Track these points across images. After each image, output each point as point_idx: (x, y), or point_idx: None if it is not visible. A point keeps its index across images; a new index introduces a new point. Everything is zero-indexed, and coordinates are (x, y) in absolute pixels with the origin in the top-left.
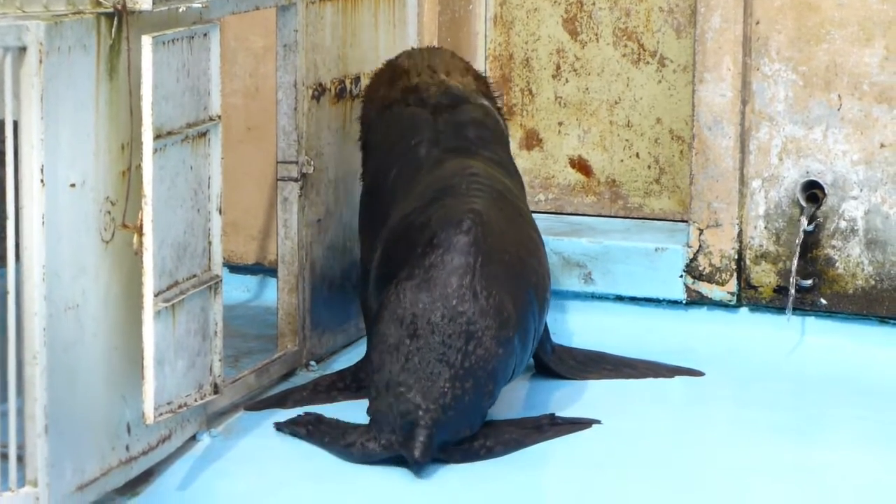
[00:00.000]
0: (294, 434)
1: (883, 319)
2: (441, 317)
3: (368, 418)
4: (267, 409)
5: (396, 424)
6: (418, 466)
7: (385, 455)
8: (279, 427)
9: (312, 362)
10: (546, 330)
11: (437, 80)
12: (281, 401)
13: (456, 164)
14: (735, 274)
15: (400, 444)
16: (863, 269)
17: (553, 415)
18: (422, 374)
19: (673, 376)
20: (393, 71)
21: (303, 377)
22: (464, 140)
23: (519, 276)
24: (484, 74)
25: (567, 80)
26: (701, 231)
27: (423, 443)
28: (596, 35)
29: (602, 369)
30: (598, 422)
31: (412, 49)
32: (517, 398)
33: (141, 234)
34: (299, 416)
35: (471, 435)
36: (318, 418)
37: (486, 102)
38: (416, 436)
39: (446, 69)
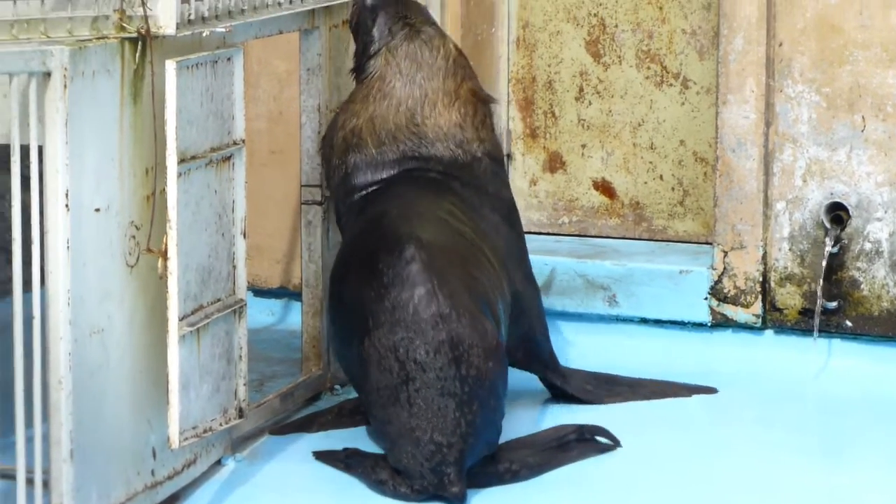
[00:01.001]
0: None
1: None
2: (425, 353)
3: (395, 470)
4: (292, 434)
5: (424, 469)
6: (459, 501)
7: (421, 500)
8: (318, 456)
9: (337, 386)
10: (552, 354)
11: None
12: (306, 425)
13: (392, 194)
14: (760, 296)
15: (434, 486)
16: (888, 291)
17: (581, 427)
18: (430, 413)
19: (690, 395)
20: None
21: (327, 401)
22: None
23: (472, 288)
24: (477, 94)
25: (590, 103)
26: (725, 253)
27: (456, 479)
28: (619, 57)
29: (617, 391)
30: (619, 444)
31: (410, 54)
32: (532, 423)
33: (166, 259)
34: (338, 451)
35: (491, 454)
36: (356, 452)
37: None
38: (447, 474)
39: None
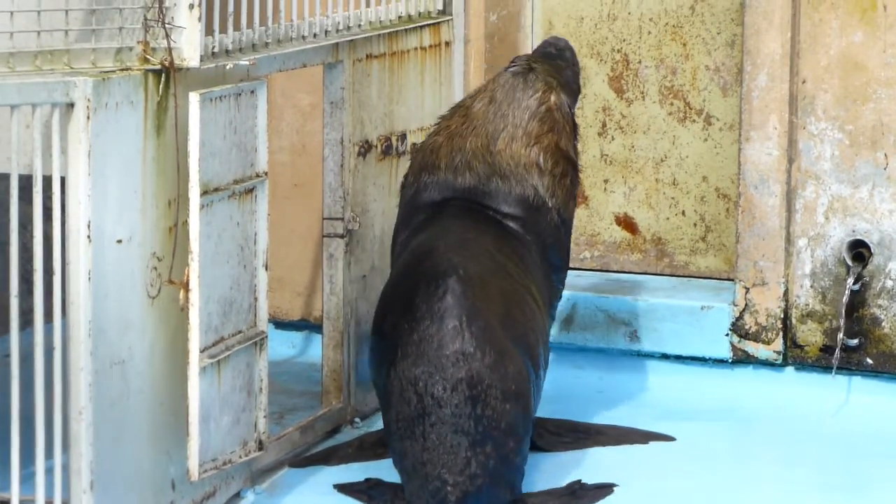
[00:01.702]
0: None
1: None
2: (443, 389)
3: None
4: (312, 467)
5: None
6: None
7: None
8: (340, 488)
9: (357, 419)
10: None
11: (488, 152)
12: (326, 458)
13: (444, 226)
14: (781, 333)
15: None
16: None
17: (580, 481)
18: (442, 449)
19: (646, 442)
20: (465, 116)
21: (348, 434)
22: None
23: (507, 325)
24: (560, 146)
25: (613, 138)
26: (747, 290)
27: None
28: (642, 93)
29: (575, 438)
30: (616, 485)
31: (504, 84)
32: None
33: (187, 290)
34: (360, 482)
35: (519, 498)
36: (378, 483)
37: (534, 182)
38: None
39: (511, 134)
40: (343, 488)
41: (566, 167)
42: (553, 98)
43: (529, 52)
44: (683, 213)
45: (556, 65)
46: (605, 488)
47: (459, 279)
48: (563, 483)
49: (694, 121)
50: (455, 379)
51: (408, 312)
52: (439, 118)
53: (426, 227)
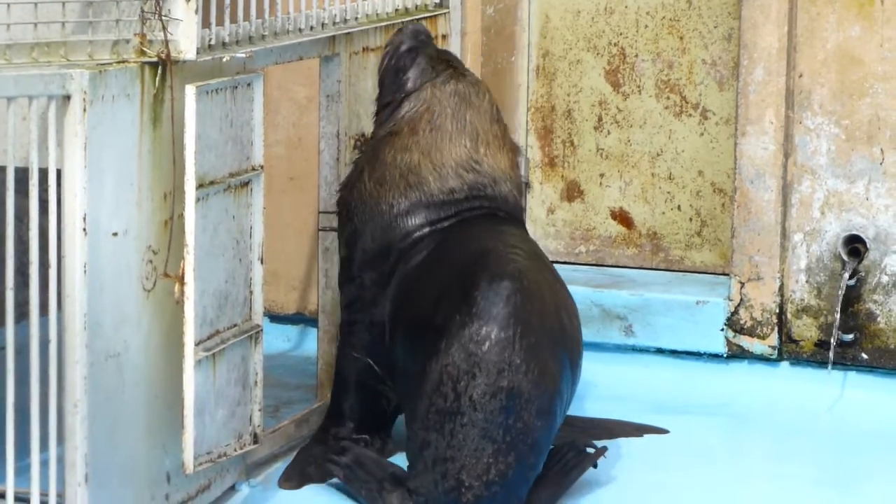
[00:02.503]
0: (331, 472)
1: None
2: (482, 393)
3: (408, 489)
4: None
5: (440, 502)
6: None
7: None
8: (319, 464)
9: None
10: None
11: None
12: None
13: (485, 227)
14: (776, 328)
15: None
16: None
17: (572, 443)
18: (466, 450)
19: (640, 435)
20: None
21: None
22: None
23: (558, 341)
24: (514, 147)
25: (609, 132)
26: (742, 284)
27: None
28: (638, 87)
29: (570, 432)
30: (605, 450)
31: (458, 92)
32: None
33: (182, 284)
34: (342, 447)
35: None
36: (358, 459)
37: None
38: None
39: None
40: (322, 461)
41: (517, 161)
42: (491, 93)
43: (526, 46)
44: (679, 207)
45: (450, 53)
46: (596, 454)
47: (522, 288)
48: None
49: (690, 115)
50: (496, 387)
51: (464, 306)
52: (387, 133)
53: (466, 229)
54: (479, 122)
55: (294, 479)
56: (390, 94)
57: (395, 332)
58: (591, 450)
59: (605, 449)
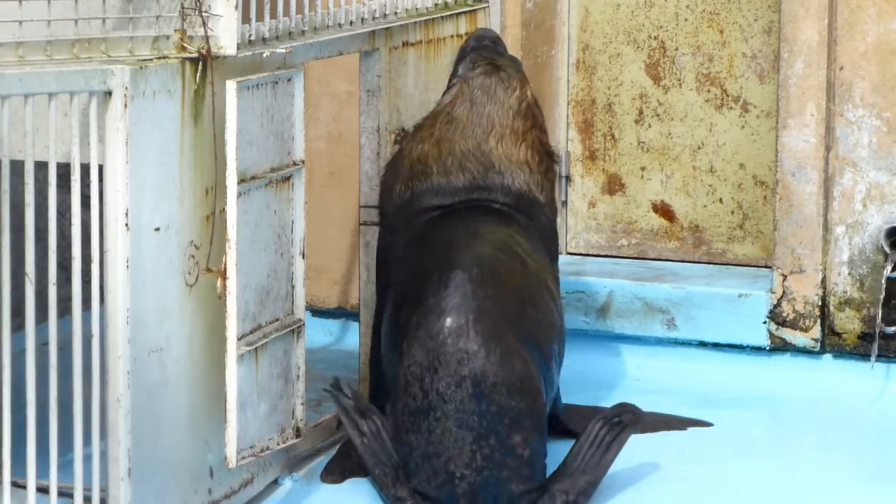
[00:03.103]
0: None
1: None
2: (447, 385)
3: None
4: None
5: (438, 497)
6: None
7: None
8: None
9: None
10: (558, 388)
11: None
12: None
13: (461, 221)
14: (819, 320)
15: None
16: None
17: (604, 419)
18: (447, 443)
19: (684, 428)
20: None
21: None
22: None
23: (517, 322)
24: (543, 142)
25: (650, 126)
26: (784, 277)
27: None
28: (679, 80)
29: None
30: (641, 414)
31: (479, 87)
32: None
33: (225, 278)
34: (364, 408)
35: (543, 491)
36: (379, 432)
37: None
38: (458, 502)
39: (500, 133)
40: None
41: (549, 162)
42: (529, 93)
43: (565, 40)
44: (721, 200)
45: (509, 57)
46: (630, 421)
47: (471, 277)
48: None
49: (731, 108)
50: (459, 376)
51: (419, 306)
52: (414, 128)
53: (437, 226)
54: (497, 116)
55: (336, 472)
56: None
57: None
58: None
59: (638, 415)
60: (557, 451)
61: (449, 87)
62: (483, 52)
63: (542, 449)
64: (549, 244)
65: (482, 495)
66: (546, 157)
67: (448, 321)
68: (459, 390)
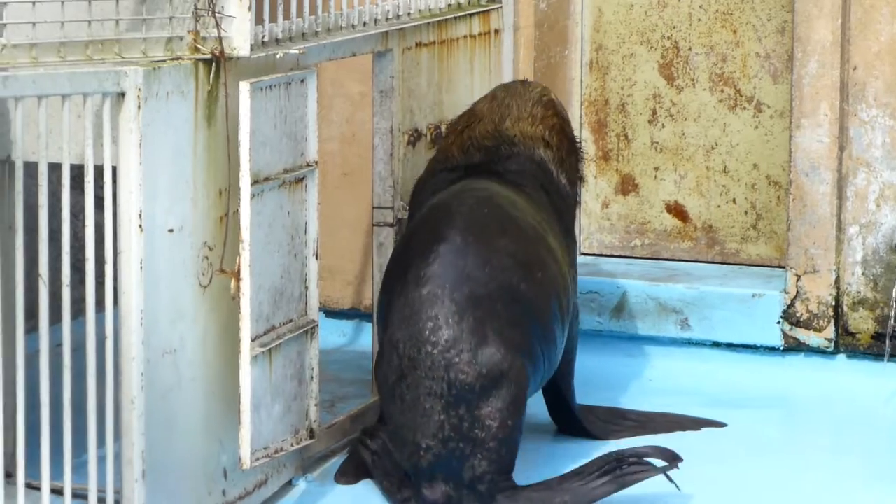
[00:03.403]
0: (359, 453)
1: None
2: (418, 351)
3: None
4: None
5: (412, 474)
6: None
7: None
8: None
9: None
10: (573, 385)
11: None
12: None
13: (461, 185)
14: (832, 320)
15: (414, 487)
16: None
17: (622, 454)
18: (417, 412)
19: (698, 429)
20: (470, 116)
21: None
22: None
23: (510, 292)
24: (564, 128)
25: (663, 126)
26: (798, 277)
27: (428, 483)
28: (692, 80)
29: (626, 426)
30: (678, 461)
31: (501, 90)
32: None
33: (238, 279)
34: (373, 430)
35: (505, 471)
36: (386, 446)
37: (540, 151)
38: (423, 475)
39: (517, 116)
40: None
41: (570, 147)
42: (551, 93)
43: (579, 40)
44: (734, 200)
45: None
46: (664, 467)
47: (452, 245)
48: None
49: (744, 108)
50: (429, 341)
51: (404, 275)
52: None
53: (437, 193)
54: (517, 104)
55: (350, 473)
56: None
57: None
58: (656, 462)
59: (675, 461)
60: (568, 451)
61: None
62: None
63: (515, 430)
64: (564, 218)
65: (444, 469)
66: (567, 142)
67: (425, 289)
68: (428, 357)
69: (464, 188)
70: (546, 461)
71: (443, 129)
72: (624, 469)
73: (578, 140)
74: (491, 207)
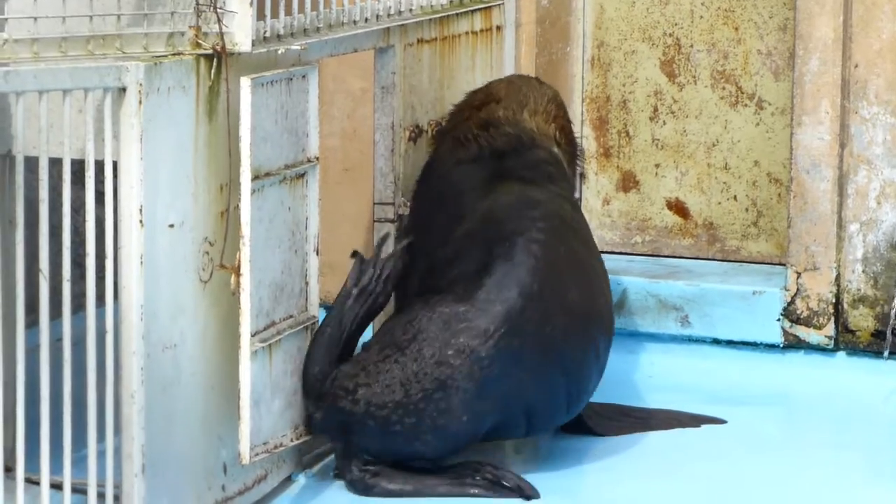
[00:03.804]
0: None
1: None
2: (431, 355)
3: None
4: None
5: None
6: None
7: None
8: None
9: None
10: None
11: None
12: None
13: (511, 190)
14: (833, 318)
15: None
16: None
17: (484, 466)
18: (381, 380)
19: (698, 426)
20: (487, 95)
21: None
22: (524, 172)
23: (552, 350)
24: (572, 132)
25: (664, 123)
26: (798, 274)
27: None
28: (694, 77)
29: (627, 422)
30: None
31: (517, 78)
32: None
33: (239, 275)
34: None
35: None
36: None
37: (555, 150)
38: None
39: (534, 109)
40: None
41: (574, 149)
42: (562, 99)
43: (580, 37)
44: (735, 197)
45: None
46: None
47: (530, 293)
48: (617, 466)
49: (746, 105)
50: (443, 360)
51: (469, 289)
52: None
53: (492, 190)
54: (533, 95)
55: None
56: None
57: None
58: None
59: (524, 489)
60: (569, 447)
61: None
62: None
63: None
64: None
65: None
66: (572, 145)
67: (482, 322)
68: (439, 368)
69: (519, 199)
70: (547, 456)
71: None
72: (475, 479)
73: (580, 148)
74: (562, 242)
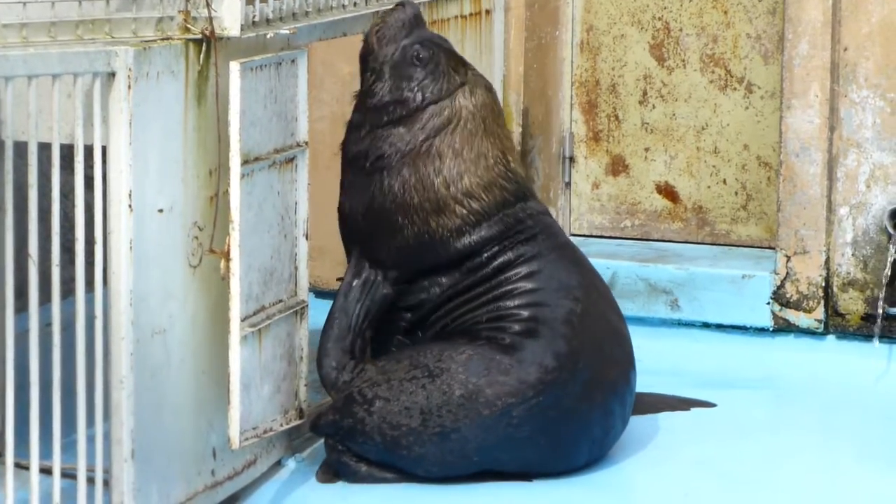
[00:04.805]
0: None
1: None
2: (460, 395)
3: None
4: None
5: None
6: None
7: None
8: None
9: None
10: None
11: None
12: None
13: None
14: (822, 301)
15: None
16: None
17: None
18: (402, 399)
19: (687, 409)
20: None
21: None
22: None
23: (576, 421)
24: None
25: (654, 106)
26: (788, 258)
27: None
28: (683, 61)
29: None
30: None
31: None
32: None
33: (228, 260)
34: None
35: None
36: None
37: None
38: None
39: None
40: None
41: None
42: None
43: (570, 20)
44: (724, 181)
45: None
46: None
47: (568, 368)
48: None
49: (735, 89)
50: (469, 387)
51: (567, 319)
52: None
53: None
54: (502, 132)
55: (331, 472)
56: (398, 90)
57: None
58: None
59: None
60: None
61: (438, 97)
62: (441, 50)
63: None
64: None
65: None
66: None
67: (522, 385)
68: (458, 390)
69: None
70: None
71: None
72: None
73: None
74: (602, 316)
